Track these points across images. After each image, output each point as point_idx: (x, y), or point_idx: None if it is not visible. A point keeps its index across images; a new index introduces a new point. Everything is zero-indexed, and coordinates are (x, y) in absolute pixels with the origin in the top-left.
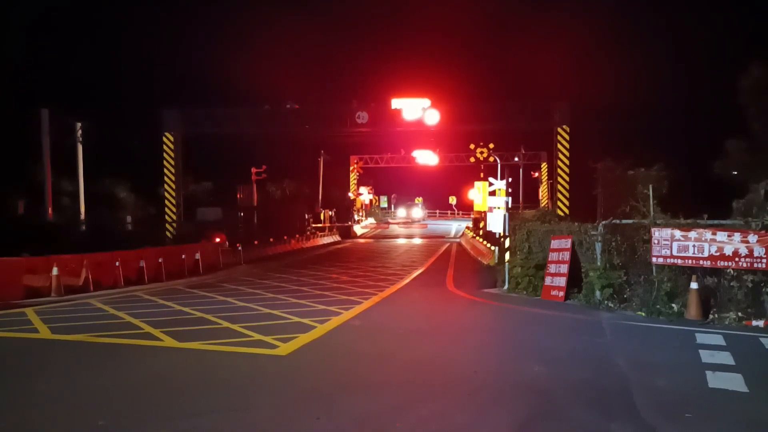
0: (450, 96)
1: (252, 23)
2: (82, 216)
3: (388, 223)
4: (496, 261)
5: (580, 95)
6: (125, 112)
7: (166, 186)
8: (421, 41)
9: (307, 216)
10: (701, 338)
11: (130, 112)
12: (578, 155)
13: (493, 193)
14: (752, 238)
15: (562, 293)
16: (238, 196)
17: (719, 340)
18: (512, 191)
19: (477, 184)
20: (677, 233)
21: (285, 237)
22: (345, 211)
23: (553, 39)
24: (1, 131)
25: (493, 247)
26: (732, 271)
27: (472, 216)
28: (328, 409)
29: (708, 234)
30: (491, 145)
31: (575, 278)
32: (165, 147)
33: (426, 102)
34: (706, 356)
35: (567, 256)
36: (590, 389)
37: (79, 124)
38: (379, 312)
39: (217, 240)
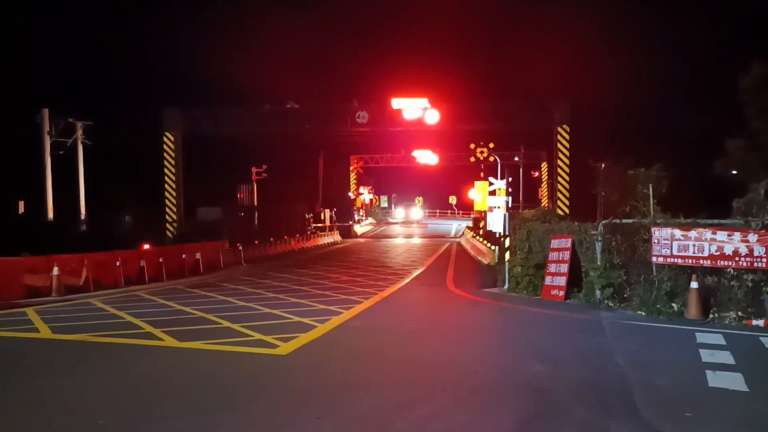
0: (450, 96)
1: (252, 23)
2: (83, 216)
3: (389, 222)
4: (496, 260)
5: (581, 95)
6: (126, 112)
7: (166, 185)
8: (422, 41)
9: (307, 216)
10: (701, 337)
11: (130, 111)
12: (578, 155)
13: (493, 193)
14: (752, 237)
15: (562, 293)
16: (239, 195)
17: (719, 339)
18: (512, 191)
19: (477, 183)
20: (677, 233)
21: (285, 237)
22: (345, 210)
23: (554, 38)
24: (1, 131)
25: (493, 247)
26: (732, 271)
27: (472, 216)
28: (328, 408)
29: (708, 233)
30: (491, 145)
31: (575, 278)
32: (165, 146)
33: (426, 102)
34: (706, 355)
35: (567, 255)
36: (590, 388)
37: (79, 124)
38: (379, 311)
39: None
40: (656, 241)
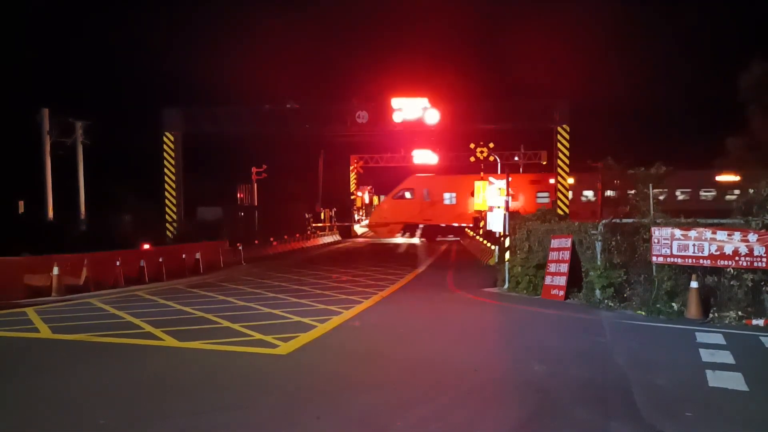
0: (450, 95)
1: (252, 22)
2: (83, 215)
3: None
4: (496, 260)
5: (581, 95)
6: (125, 112)
7: (166, 185)
8: (422, 41)
9: (307, 215)
10: (701, 337)
11: (130, 111)
12: (578, 155)
13: (492, 193)
14: (752, 237)
15: (562, 292)
16: (239, 195)
17: (719, 339)
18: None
19: (477, 183)
20: (677, 232)
21: (285, 236)
22: (345, 210)
23: (554, 38)
24: (1, 131)
25: (493, 247)
26: (732, 270)
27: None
28: (328, 408)
29: (708, 233)
30: (491, 145)
31: (575, 277)
32: (165, 146)
33: (426, 101)
34: (706, 355)
35: (567, 255)
36: (590, 388)
37: (79, 124)
38: (379, 311)
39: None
40: (656, 240)
